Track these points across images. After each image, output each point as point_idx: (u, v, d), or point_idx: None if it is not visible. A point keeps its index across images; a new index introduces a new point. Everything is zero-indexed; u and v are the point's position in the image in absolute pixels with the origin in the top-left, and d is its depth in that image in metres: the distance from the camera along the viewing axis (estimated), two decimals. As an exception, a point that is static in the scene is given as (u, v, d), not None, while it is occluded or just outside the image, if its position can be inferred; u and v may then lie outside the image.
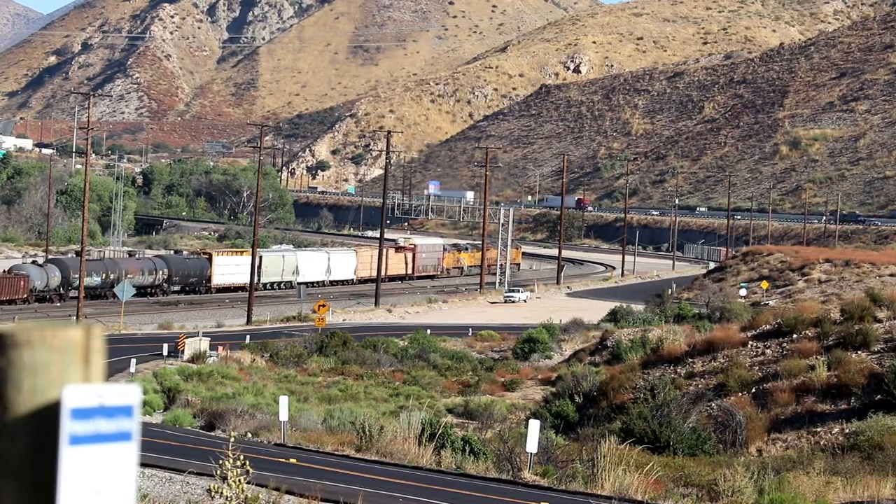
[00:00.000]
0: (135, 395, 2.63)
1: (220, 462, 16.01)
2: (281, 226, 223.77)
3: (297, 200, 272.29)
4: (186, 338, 68.46)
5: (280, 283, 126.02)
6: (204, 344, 67.23)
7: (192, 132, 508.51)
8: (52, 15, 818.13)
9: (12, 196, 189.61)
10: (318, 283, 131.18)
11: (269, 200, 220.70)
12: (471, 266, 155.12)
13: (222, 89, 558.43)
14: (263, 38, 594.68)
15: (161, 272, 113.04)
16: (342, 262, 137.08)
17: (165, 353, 66.07)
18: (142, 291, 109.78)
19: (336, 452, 35.87)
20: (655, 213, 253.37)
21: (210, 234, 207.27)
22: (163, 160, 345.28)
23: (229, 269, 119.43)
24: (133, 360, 59.53)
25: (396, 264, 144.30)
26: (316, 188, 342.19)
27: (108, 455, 2.59)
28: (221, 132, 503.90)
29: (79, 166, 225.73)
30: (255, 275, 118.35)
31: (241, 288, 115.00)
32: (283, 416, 38.87)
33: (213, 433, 42.82)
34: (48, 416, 2.58)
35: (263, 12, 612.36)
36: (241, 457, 15.93)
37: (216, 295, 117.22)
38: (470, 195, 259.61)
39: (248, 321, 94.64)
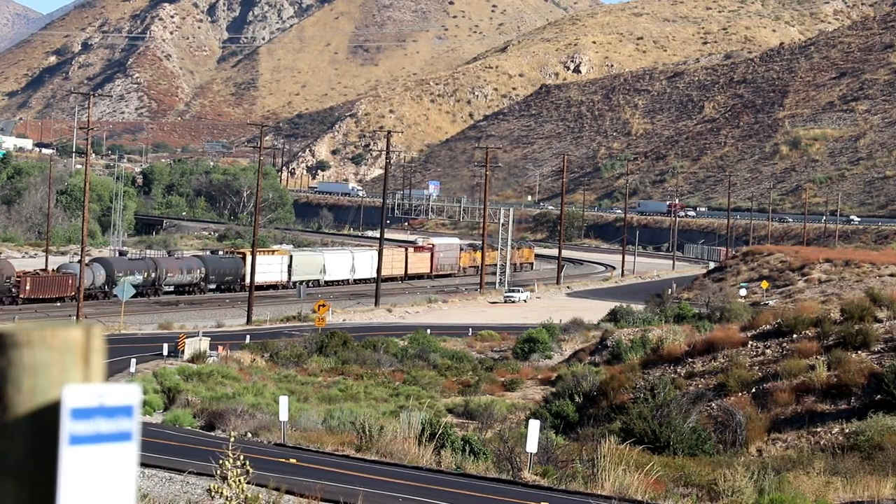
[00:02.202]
0: (135, 395, 2.62)
1: (220, 462, 16.00)
2: (281, 225, 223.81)
3: (297, 200, 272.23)
4: (186, 338, 68.46)
5: (309, 281, 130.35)
6: (204, 344, 67.23)
7: (192, 132, 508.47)
8: (52, 15, 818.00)
9: (12, 196, 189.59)
10: (343, 281, 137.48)
11: (269, 200, 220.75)
12: (486, 265, 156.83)
13: (222, 89, 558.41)
14: (263, 38, 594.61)
15: (199, 271, 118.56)
16: (365, 261, 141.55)
17: (165, 353, 66.06)
18: (180, 289, 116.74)
19: (336, 452, 35.86)
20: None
21: (210, 233, 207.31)
22: (163, 160, 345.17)
23: (262, 267, 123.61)
24: (133, 360, 59.51)
25: (416, 263, 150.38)
26: (316, 188, 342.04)
27: (108, 455, 2.58)
28: (221, 132, 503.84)
29: (79, 166, 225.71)
30: (288, 274, 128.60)
31: (273, 286, 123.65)
32: (283, 416, 38.85)
33: (213, 433, 42.80)
34: (48, 416, 2.57)
35: (263, 12, 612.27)
36: (241, 457, 15.92)
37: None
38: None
39: (248, 321, 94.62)
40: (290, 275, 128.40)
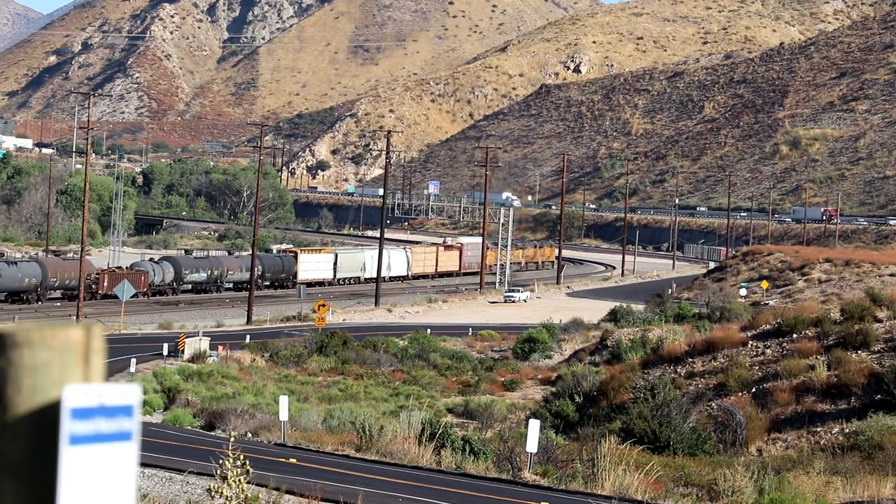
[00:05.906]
0: (135, 394, 2.62)
1: (220, 462, 15.99)
2: (281, 225, 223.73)
3: (297, 200, 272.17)
4: (186, 338, 68.41)
5: (352, 278, 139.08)
6: (204, 344, 67.18)
7: (192, 132, 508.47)
8: (52, 15, 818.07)
9: (12, 196, 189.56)
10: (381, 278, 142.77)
11: (269, 200, 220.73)
12: (512, 262, 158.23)
13: (222, 89, 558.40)
14: (263, 38, 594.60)
15: (256, 269, 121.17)
16: (397, 259, 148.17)
17: (165, 352, 65.99)
18: (238, 286, 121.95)
19: (336, 452, 35.85)
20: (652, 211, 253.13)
21: (210, 233, 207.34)
22: (163, 160, 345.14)
23: (312, 265, 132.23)
24: (133, 360, 59.45)
25: (446, 262, 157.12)
26: (316, 188, 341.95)
27: (108, 455, 2.58)
28: (221, 132, 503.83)
29: (79, 166, 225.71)
30: (333, 271, 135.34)
31: (320, 283, 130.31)
32: (283, 415, 38.83)
33: (213, 433, 42.79)
34: (48, 416, 2.57)
35: (263, 12, 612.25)
36: (241, 456, 15.91)
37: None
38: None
39: (248, 321, 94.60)
40: (335, 272, 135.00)
